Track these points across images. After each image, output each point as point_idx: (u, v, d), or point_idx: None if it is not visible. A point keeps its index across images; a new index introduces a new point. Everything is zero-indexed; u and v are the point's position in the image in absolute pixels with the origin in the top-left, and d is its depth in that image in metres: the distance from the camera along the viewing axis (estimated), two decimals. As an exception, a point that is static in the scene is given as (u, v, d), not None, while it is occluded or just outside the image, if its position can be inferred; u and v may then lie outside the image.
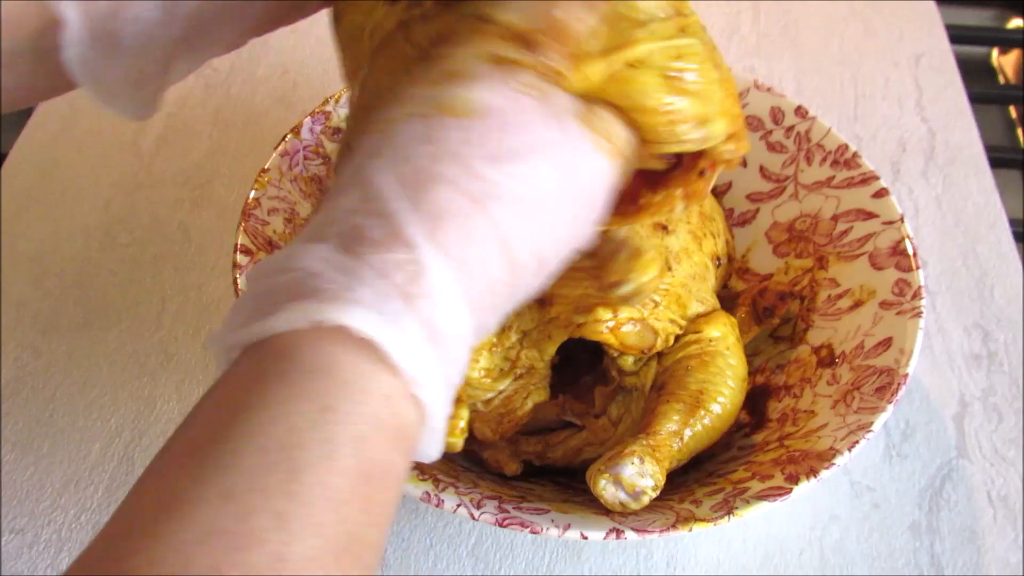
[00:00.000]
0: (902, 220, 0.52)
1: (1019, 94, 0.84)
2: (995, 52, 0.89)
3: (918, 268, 0.50)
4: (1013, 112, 0.83)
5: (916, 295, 0.49)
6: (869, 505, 0.52)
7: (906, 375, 0.46)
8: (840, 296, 0.53)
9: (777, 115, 0.58)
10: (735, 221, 0.59)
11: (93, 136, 0.69)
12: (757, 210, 0.58)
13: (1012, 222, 0.66)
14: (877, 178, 0.54)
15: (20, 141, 0.69)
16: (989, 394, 0.57)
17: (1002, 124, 0.84)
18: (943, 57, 0.77)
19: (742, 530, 0.51)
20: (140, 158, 0.68)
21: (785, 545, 0.51)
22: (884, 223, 0.53)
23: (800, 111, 0.57)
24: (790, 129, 0.57)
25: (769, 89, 0.58)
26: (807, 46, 0.78)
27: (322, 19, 0.84)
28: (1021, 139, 0.82)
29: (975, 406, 0.57)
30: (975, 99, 0.75)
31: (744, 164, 0.59)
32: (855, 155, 0.55)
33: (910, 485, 0.53)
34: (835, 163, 0.55)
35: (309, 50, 0.75)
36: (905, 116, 0.73)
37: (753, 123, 0.58)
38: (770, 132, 0.58)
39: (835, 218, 0.55)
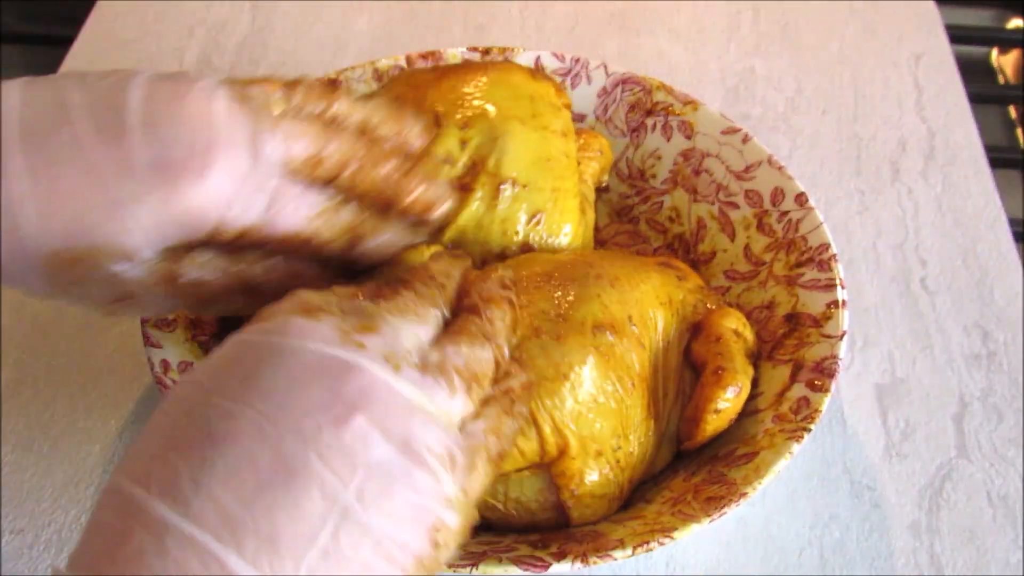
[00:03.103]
0: (841, 338, 0.48)
1: (1019, 94, 0.84)
2: (995, 52, 0.89)
3: (827, 392, 0.47)
4: (1013, 112, 0.84)
5: (808, 418, 0.46)
6: (869, 505, 0.52)
7: None
8: (753, 398, 0.49)
9: (777, 197, 0.55)
10: None
11: (93, 137, 0.69)
12: (728, 288, 0.55)
13: (1012, 222, 0.66)
14: (840, 287, 0.50)
15: (20, 142, 0.69)
16: (989, 394, 0.57)
17: (1002, 124, 0.84)
18: (943, 57, 0.77)
19: (742, 530, 0.51)
20: (140, 158, 0.68)
21: (785, 545, 0.51)
22: (823, 335, 0.49)
23: (800, 198, 0.54)
24: (784, 214, 0.54)
25: (780, 168, 0.55)
26: (807, 46, 0.78)
27: (322, 19, 0.84)
28: (1021, 139, 0.82)
29: (975, 406, 0.57)
30: (975, 99, 0.75)
31: (732, 237, 0.56)
32: (832, 258, 0.51)
33: (910, 485, 0.53)
34: (809, 261, 0.52)
35: (309, 51, 0.75)
36: (905, 116, 0.73)
37: (753, 198, 0.56)
38: (766, 212, 0.55)
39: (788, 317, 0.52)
